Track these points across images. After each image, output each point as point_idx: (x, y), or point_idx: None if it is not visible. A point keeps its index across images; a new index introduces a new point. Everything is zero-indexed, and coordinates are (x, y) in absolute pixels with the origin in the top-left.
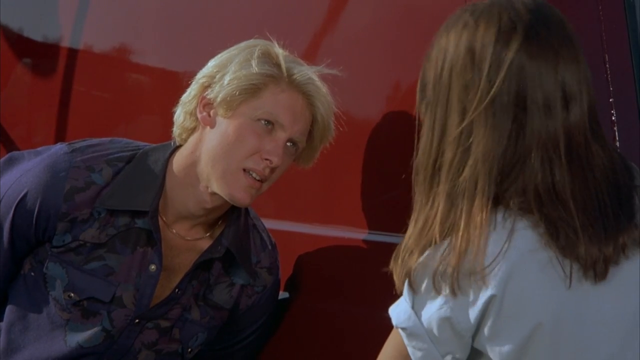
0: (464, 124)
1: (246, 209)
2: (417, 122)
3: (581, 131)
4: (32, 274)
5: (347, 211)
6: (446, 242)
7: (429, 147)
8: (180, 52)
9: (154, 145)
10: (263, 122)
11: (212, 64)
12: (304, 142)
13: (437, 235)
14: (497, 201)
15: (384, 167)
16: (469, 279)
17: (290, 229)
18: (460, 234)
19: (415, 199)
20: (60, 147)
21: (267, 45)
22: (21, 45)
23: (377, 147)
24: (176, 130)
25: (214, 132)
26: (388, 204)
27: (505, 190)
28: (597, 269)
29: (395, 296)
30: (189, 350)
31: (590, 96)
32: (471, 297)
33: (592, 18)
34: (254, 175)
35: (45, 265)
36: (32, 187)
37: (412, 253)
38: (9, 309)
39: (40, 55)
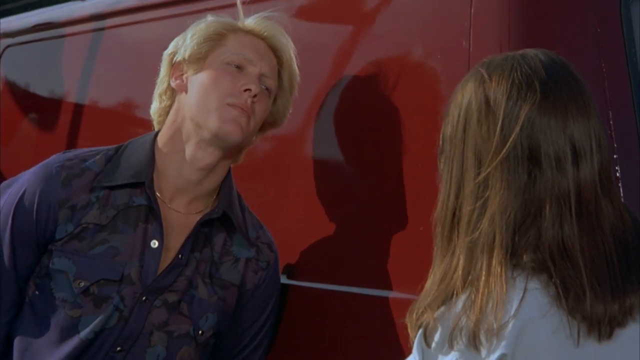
0: (480, 177)
1: (239, 196)
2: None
3: (591, 188)
4: (37, 292)
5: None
6: (464, 296)
7: (447, 200)
8: None
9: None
10: (233, 66)
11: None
12: (276, 84)
13: (460, 288)
14: (512, 255)
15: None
16: (487, 334)
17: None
18: (481, 288)
19: (434, 253)
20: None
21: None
22: (27, 101)
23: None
24: (154, 118)
25: (189, 92)
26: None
27: (520, 245)
28: (601, 328)
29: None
30: (200, 332)
31: (601, 152)
32: (483, 355)
33: (592, 52)
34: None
35: (51, 261)
36: (29, 184)
37: (429, 306)
38: (18, 340)
39: (45, 111)
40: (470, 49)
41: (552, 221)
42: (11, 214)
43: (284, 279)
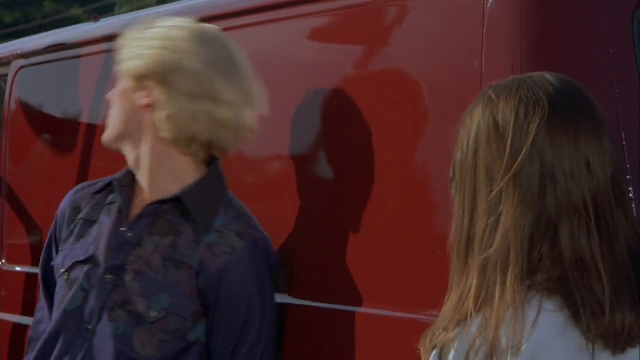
0: (492, 194)
1: (229, 198)
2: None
3: (606, 198)
4: None
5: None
6: (479, 316)
7: (461, 224)
8: None
9: None
10: None
11: None
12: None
13: (472, 309)
14: (527, 272)
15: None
16: (502, 355)
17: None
18: (496, 308)
19: (451, 277)
20: None
21: None
22: (40, 121)
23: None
24: None
25: None
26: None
27: (535, 260)
28: (617, 343)
29: None
30: (151, 312)
31: (613, 163)
32: None
33: (605, 72)
34: None
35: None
36: None
37: (445, 328)
38: None
39: (59, 132)
40: (483, 69)
41: (570, 233)
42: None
43: (286, 298)
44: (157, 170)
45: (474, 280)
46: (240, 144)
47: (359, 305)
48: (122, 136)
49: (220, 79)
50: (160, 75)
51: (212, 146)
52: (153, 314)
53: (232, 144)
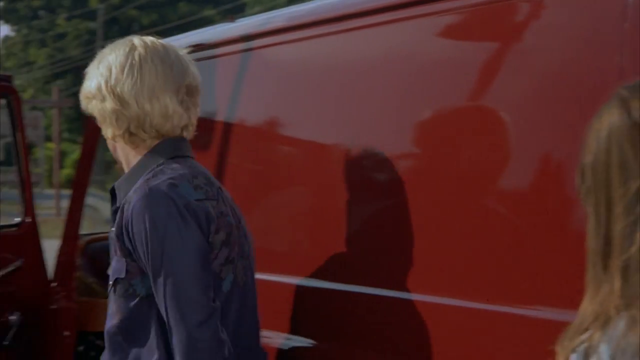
0: (630, 192)
1: (155, 167)
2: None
3: None
4: None
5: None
6: (626, 317)
7: (597, 226)
8: (327, 125)
9: None
10: None
11: None
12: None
13: (617, 310)
14: None
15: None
16: None
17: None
18: None
19: (588, 280)
20: None
21: None
22: None
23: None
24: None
25: None
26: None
27: None
28: None
29: None
30: (110, 283)
31: None
32: None
33: None
34: None
35: None
36: None
37: (587, 331)
38: None
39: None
40: (624, 64)
41: None
42: None
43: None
44: (126, 167)
45: (616, 281)
46: (176, 126)
47: (492, 303)
48: (116, 157)
49: (120, 85)
50: (87, 98)
51: (154, 134)
52: (109, 284)
53: (171, 128)
